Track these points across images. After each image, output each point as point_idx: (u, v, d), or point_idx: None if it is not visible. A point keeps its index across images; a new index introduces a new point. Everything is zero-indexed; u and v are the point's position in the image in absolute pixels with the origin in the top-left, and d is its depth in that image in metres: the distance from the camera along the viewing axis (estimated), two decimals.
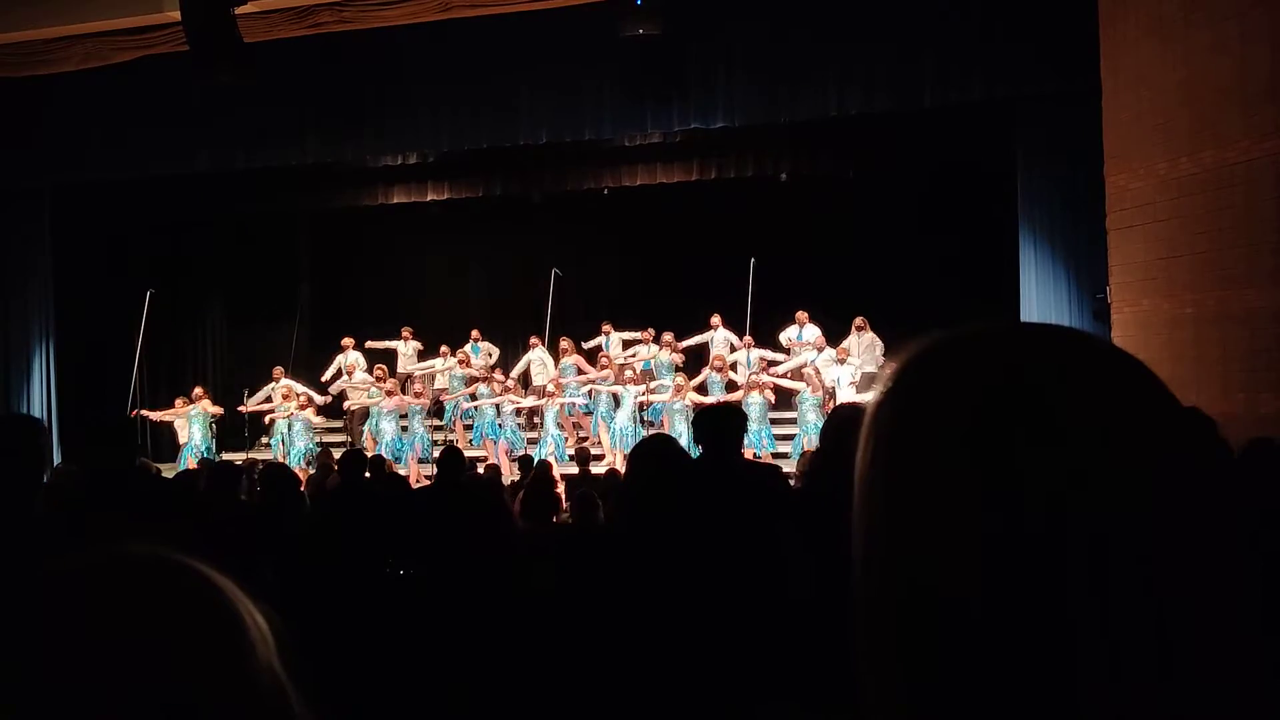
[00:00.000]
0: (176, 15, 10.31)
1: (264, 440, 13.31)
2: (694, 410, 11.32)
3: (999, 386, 0.60)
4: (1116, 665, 0.55)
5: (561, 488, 7.49)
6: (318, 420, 12.85)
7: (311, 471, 9.78)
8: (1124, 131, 8.93)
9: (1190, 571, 0.57)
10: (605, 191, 14.08)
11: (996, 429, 0.59)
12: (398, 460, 11.76)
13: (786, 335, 13.06)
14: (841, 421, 3.46)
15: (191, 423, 12.65)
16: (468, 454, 11.39)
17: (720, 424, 3.55)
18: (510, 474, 10.09)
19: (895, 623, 0.60)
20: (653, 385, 12.22)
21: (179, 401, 12.84)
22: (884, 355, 11.94)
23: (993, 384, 0.60)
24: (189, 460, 11.88)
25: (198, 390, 13.06)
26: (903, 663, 0.60)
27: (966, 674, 0.57)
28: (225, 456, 12.46)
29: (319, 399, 12.88)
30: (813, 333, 12.84)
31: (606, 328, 13.84)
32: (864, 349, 12.35)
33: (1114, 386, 0.61)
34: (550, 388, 12.37)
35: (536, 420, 12.72)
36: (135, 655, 0.60)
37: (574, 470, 9.39)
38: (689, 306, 13.60)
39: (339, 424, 13.86)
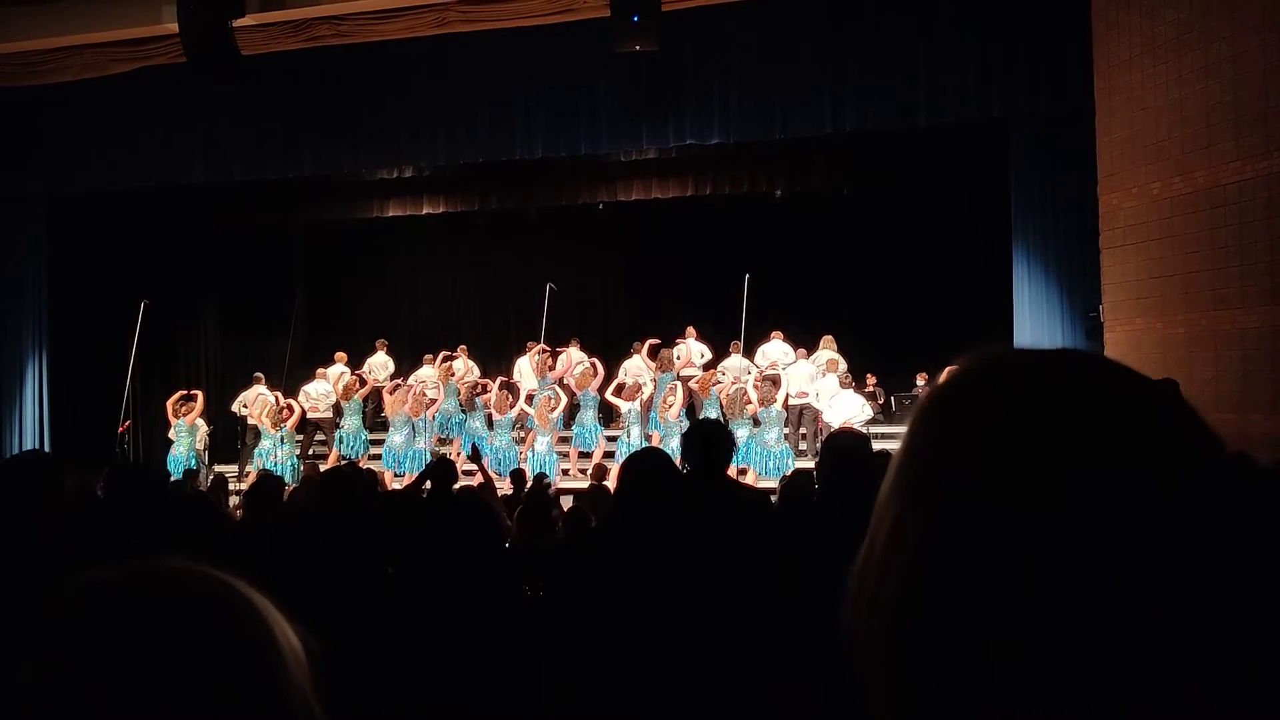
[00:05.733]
0: (174, 27, 10.35)
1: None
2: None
3: (1065, 398, 0.59)
4: (1142, 676, 0.54)
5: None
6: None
7: (293, 486, 9.72)
8: (1117, 151, 8.98)
9: (1245, 594, 0.56)
10: (600, 206, 14.13)
11: (1059, 437, 0.57)
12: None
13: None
14: (841, 448, 3.44)
15: (191, 433, 12.56)
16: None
17: (709, 442, 3.50)
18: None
19: (921, 639, 0.58)
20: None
21: (190, 403, 12.67)
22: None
23: (1058, 396, 0.59)
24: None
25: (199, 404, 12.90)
26: (928, 677, 0.58)
27: (1004, 690, 0.55)
28: (217, 468, 12.43)
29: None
30: (776, 349, 12.98)
31: (573, 343, 13.80)
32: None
33: (1160, 401, 0.60)
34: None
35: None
36: (164, 667, 0.61)
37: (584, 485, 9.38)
38: (683, 321, 13.62)
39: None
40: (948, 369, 0.66)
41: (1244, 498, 0.58)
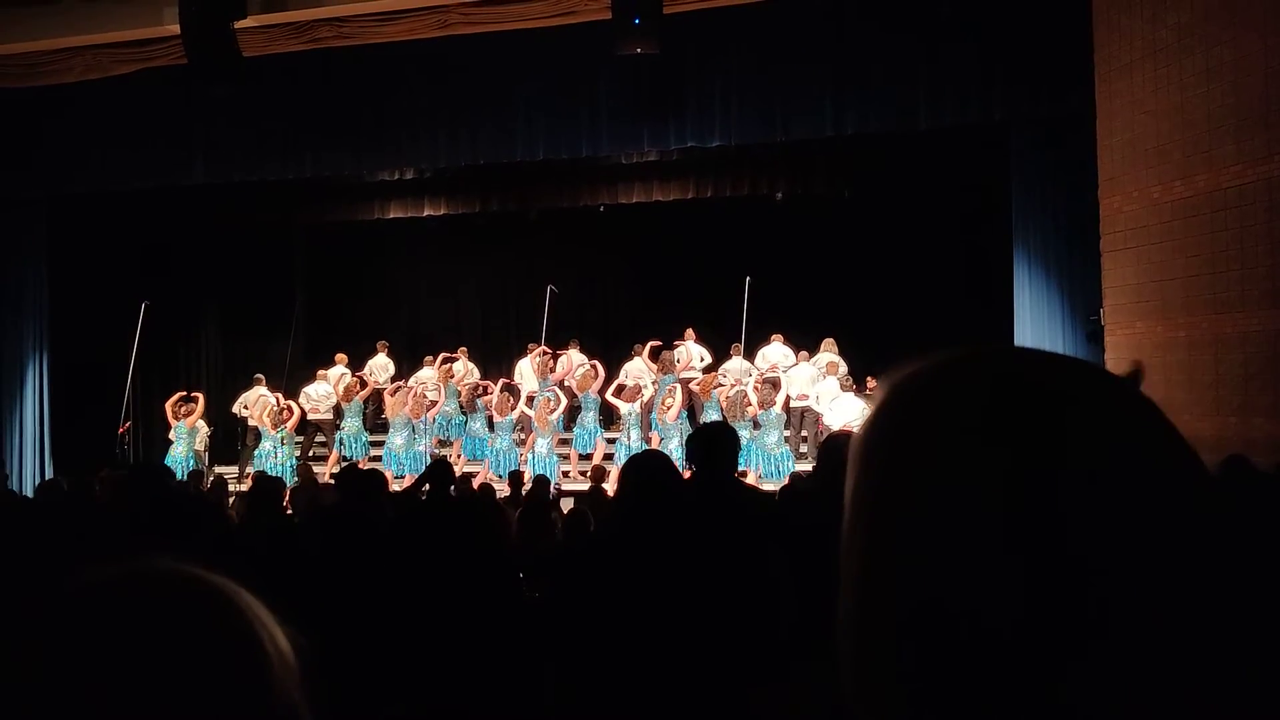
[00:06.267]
0: (176, 29, 10.35)
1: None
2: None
3: (1003, 395, 0.60)
4: (1118, 668, 0.55)
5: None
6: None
7: (294, 485, 9.73)
8: (1118, 155, 8.99)
9: (1191, 580, 0.56)
10: (601, 209, 14.14)
11: (1003, 435, 0.58)
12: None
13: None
14: (840, 450, 3.45)
15: (192, 435, 12.55)
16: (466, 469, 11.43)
17: (711, 444, 3.51)
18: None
19: (898, 639, 0.59)
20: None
21: (189, 404, 12.65)
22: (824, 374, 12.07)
23: (997, 393, 0.60)
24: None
25: (200, 406, 12.86)
26: (909, 678, 0.59)
27: (976, 686, 0.56)
28: (218, 469, 12.44)
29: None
30: (777, 352, 12.99)
31: (573, 345, 13.80)
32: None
33: (1108, 397, 0.61)
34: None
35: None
36: (145, 667, 0.61)
37: (584, 487, 9.40)
38: (683, 324, 13.62)
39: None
40: (880, 382, 0.66)
41: (1215, 492, 0.59)
